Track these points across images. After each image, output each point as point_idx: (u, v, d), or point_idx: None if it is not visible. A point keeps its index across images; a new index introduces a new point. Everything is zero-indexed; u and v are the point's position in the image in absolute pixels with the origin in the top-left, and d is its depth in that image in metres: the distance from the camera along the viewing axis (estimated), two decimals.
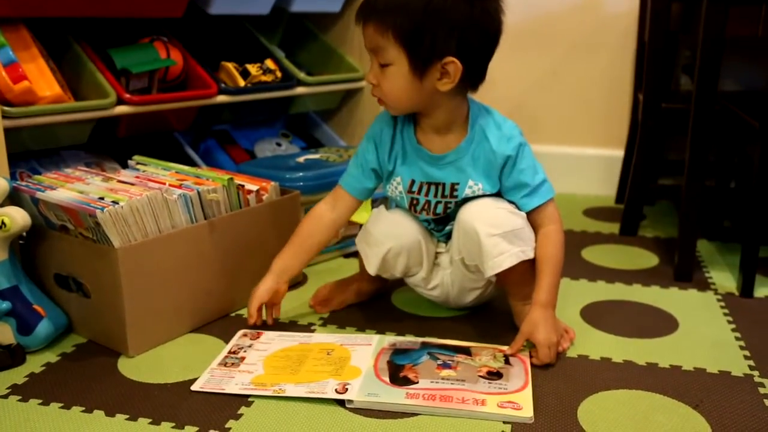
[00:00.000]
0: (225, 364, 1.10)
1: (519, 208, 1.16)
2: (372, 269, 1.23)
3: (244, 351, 1.14)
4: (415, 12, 1.03)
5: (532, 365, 1.09)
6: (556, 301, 1.15)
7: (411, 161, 1.18)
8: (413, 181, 1.18)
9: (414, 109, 1.14)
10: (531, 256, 1.14)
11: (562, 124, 2.17)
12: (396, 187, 1.21)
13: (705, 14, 1.35)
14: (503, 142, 1.13)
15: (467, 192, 1.16)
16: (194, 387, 1.04)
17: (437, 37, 1.04)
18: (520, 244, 1.13)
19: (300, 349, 1.14)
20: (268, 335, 1.19)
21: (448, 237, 1.23)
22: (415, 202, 1.20)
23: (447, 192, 1.17)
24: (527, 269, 1.15)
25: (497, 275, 1.14)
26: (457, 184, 1.16)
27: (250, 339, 1.17)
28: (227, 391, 1.03)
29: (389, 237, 1.21)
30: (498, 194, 1.17)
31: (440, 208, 1.19)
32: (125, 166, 1.37)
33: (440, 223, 1.22)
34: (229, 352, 1.13)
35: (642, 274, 1.50)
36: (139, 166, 1.32)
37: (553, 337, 1.11)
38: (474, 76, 1.11)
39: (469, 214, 1.14)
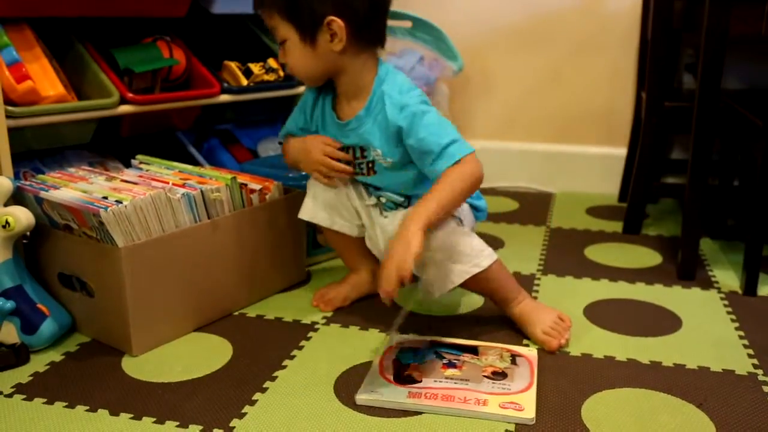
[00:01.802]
0: None
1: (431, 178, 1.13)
2: (304, 213, 1.29)
3: None
4: None
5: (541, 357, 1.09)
6: (430, 213, 1.05)
7: (328, 125, 1.23)
8: (364, 150, 1.22)
9: (324, 76, 1.18)
10: (484, 266, 1.14)
11: (565, 123, 2.17)
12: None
13: (708, 12, 1.35)
14: (396, 112, 1.13)
15: (374, 156, 1.19)
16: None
17: (312, 1, 1.09)
18: (465, 260, 1.13)
19: None
20: None
21: (387, 200, 1.25)
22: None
23: (358, 154, 1.21)
24: (492, 275, 1.16)
25: (473, 287, 1.18)
26: (365, 150, 1.20)
27: None
28: None
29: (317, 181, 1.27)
30: (410, 163, 1.17)
31: (357, 169, 1.23)
32: (128, 165, 1.37)
33: (374, 188, 1.26)
34: None
35: (645, 273, 1.50)
36: (142, 166, 1.33)
37: (401, 255, 1.01)
38: (365, 32, 1.13)
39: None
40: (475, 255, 1.14)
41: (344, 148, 1.22)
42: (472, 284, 1.16)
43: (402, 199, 1.24)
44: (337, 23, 1.10)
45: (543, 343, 1.15)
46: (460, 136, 1.12)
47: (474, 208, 1.27)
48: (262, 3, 1.15)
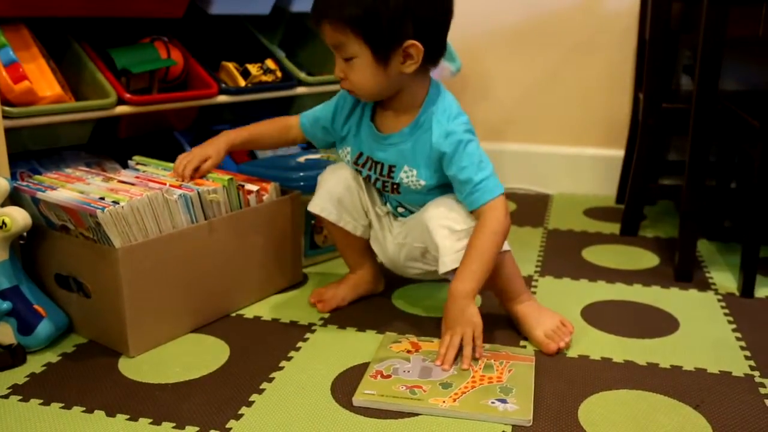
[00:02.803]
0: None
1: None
2: (314, 206, 1.28)
3: None
4: (368, 3, 1.05)
5: (543, 353, 1.09)
6: (473, 289, 1.10)
7: (363, 135, 1.22)
8: (360, 154, 1.22)
9: (385, 94, 1.15)
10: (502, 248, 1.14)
11: (563, 124, 2.17)
12: (345, 156, 1.25)
13: (705, 14, 1.35)
14: (442, 137, 1.12)
15: (402, 176, 1.17)
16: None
17: (394, 23, 1.06)
18: None
19: None
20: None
21: (398, 204, 1.26)
22: (358, 173, 1.25)
23: (385, 172, 1.19)
24: (504, 265, 1.17)
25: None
26: (394, 166, 1.18)
27: None
28: None
29: (331, 174, 1.28)
30: (444, 187, 1.17)
31: (379, 185, 1.22)
32: (126, 166, 1.37)
33: (387, 193, 1.25)
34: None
35: (642, 274, 1.50)
36: (139, 167, 1.32)
37: (464, 329, 1.09)
38: (435, 52, 1.12)
39: (432, 213, 1.15)
40: None
41: (372, 164, 1.21)
42: (495, 269, 1.15)
43: (420, 208, 1.22)
44: (417, 47, 1.07)
45: (541, 345, 1.15)
46: (493, 171, 1.13)
47: None
48: (329, 14, 1.08)
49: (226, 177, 1.26)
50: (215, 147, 1.28)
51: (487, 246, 1.10)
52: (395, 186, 1.20)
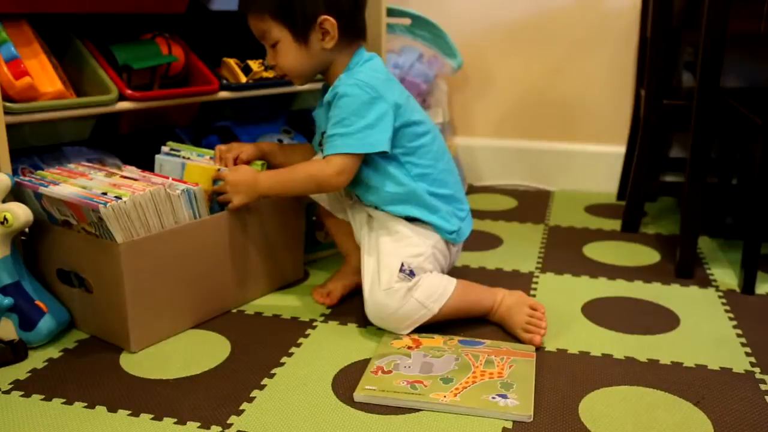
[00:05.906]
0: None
1: None
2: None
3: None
4: None
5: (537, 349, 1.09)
6: (266, 184, 1.21)
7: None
8: (324, 134, 1.24)
9: (313, 73, 1.23)
10: (435, 310, 1.16)
11: (564, 121, 2.17)
12: (317, 138, 1.30)
13: (707, 10, 1.35)
14: (331, 92, 1.17)
15: (323, 141, 1.21)
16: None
17: (305, 2, 1.14)
18: (408, 319, 1.15)
19: None
20: None
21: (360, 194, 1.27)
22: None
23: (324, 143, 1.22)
24: (454, 305, 1.17)
25: (443, 319, 1.19)
26: (323, 135, 1.22)
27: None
28: None
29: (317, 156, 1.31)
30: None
31: None
32: (127, 162, 1.37)
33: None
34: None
35: (643, 271, 1.50)
36: (172, 152, 1.34)
37: (228, 185, 1.21)
38: (352, 27, 1.19)
39: (364, 292, 1.17)
40: (422, 304, 1.15)
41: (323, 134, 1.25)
42: (440, 318, 1.17)
43: (369, 205, 1.25)
44: (330, 22, 1.15)
45: (528, 342, 1.15)
46: (359, 129, 1.13)
47: (446, 232, 1.23)
48: (249, 6, 1.18)
49: (259, 161, 1.29)
50: (254, 144, 1.34)
51: (299, 178, 1.19)
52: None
